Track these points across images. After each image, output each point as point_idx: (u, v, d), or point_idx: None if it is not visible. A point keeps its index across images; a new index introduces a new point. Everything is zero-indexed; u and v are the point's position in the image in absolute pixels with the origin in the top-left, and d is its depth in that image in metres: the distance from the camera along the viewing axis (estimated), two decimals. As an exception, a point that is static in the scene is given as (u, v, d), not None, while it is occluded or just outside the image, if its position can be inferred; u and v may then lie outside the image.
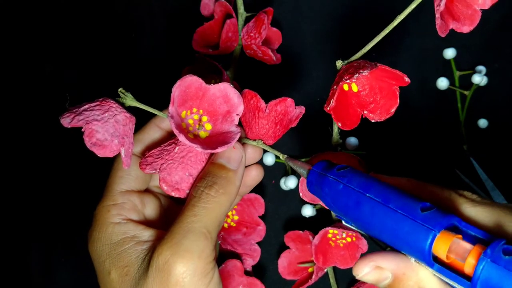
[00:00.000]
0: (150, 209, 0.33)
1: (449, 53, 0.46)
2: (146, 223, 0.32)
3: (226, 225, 0.40)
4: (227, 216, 0.40)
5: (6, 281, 0.44)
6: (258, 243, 0.41)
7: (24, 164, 0.46)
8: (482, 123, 0.45)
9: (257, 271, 0.43)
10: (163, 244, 0.27)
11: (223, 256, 0.41)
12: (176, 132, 0.27)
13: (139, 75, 0.47)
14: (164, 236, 0.28)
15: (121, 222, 0.30)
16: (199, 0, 0.46)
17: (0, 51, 0.48)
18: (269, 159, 0.44)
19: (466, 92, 0.46)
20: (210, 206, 0.28)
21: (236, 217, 0.40)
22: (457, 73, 0.46)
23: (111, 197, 0.31)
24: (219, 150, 0.28)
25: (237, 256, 0.41)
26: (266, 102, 0.31)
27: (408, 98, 0.47)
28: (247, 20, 0.43)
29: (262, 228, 0.41)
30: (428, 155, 0.45)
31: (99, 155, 0.27)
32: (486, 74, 0.46)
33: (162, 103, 0.46)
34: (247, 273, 0.41)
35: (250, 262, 0.41)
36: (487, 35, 0.47)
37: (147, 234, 0.30)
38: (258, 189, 0.44)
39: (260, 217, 0.41)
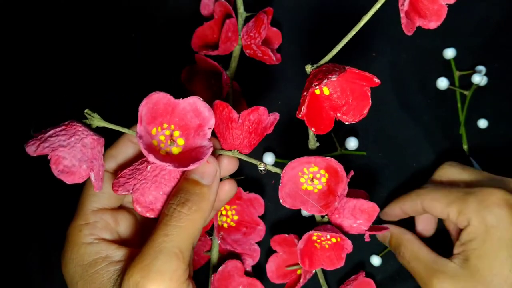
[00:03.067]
0: (125, 226, 0.32)
1: (449, 53, 0.46)
2: (120, 241, 0.31)
3: (226, 225, 0.40)
4: (227, 216, 0.40)
5: (6, 281, 0.44)
6: (258, 243, 0.41)
7: (24, 163, 0.46)
8: (482, 123, 0.45)
9: (257, 271, 0.43)
10: (134, 266, 0.26)
11: (223, 256, 0.41)
12: (145, 152, 0.26)
13: (139, 75, 0.47)
14: (135, 257, 0.27)
15: (93, 242, 0.30)
16: (199, 0, 0.46)
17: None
18: (269, 159, 0.44)
19: (466, 92, 0.46)
20: (183, 225, 0.27)
21: (236, 217, 0.40)
22: (457, 73, 0.46)
23: (83, 216, 0.31)
24: (191, 167, 0.27)
25: (237, 256, 0.41)
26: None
27: (408, 98, 0.47)
28: (247, 20, 0.43)
29: (261, 228, 0.41)
30: (428, 155, 0.45)
31: (67, 183, 0.26)
32: (486, 74, 0.46)
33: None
34: (247, 273, 0.41)
35: (249, 262, 0.41)
36: (487, 35, 0.47)
37: (120, 253, 0.29)
38: (258, 189, 0.44)
39: (259, 217, 0.41)
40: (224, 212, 0.40)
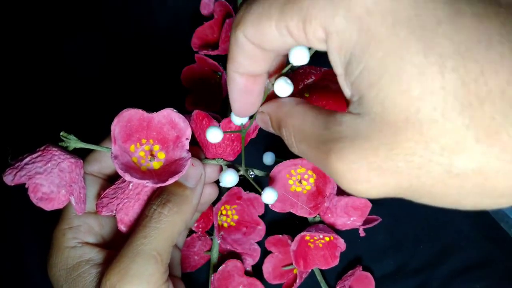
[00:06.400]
0: (109, 228, 0.32)
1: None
2: (104, 244, 0.31)
3: (226, 225, 0.40)
4: (227, 216, 0.40)
5: (6, 281, 0.44)
6: (258, 243, 0.41)
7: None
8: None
9: (257, 271, 0.43)
10: (111, 269, 0.27)
11: (223, 256, 0.41)
12: (121, 172, 0.26)
13: (139, 75, 0.47)
14: (113, 260, 0.27)
15: (76, 245, 0.30)
16: (199, 0, 0.46)
17: None
18: (269, 159, 0.44)
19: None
20: (162, 226, 0.27)
21: (236, 217, 0.40)
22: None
23: (67, 221, 0.31)
24: (169, 182, 0.27)
25: (237, 256, 0.41)
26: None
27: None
28: (247, 20, 0.43)
29: (262, 227, 0.41)
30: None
31: (47, 209, 0.26)
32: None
33: (163, 103, 0.46)
34: (247, 273, 0.41)
35: (250, 262, 0.41)
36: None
37: (102, 256, 0.30)
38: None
39: (260, 216, 0.41)
40: (224, 212, 0.40)
